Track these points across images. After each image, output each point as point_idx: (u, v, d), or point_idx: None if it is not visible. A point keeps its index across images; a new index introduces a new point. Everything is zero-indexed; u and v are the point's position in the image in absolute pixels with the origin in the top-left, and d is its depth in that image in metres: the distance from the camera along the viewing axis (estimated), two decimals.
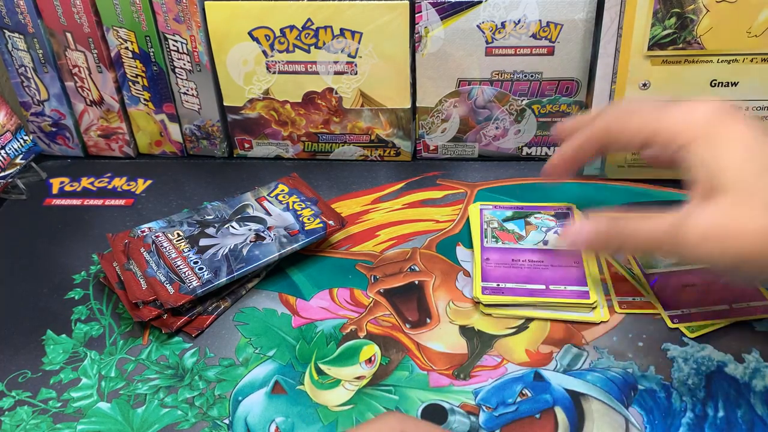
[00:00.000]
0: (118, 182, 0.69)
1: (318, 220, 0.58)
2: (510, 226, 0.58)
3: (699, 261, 0.39)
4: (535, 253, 0.55)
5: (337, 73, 0.65)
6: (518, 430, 0.44)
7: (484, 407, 0.45)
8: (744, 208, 0.37)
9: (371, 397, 0.46)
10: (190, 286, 0.52)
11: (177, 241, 0.57)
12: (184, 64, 0.67)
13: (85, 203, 0.67)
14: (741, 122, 0.39)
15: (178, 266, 0.54)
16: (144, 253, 0.56)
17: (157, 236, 0.57)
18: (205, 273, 0.54)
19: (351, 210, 0.64)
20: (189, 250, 0.56)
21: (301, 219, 0.58)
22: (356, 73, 0.65)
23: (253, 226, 0.58)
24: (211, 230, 0.58)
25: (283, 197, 0.61)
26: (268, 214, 0.60)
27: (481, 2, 0.61)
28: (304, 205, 0.60)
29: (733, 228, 0.37)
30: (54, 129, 0.73)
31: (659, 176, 0.64)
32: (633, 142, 0.43)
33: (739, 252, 0.37)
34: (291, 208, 0.60)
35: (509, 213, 0.60)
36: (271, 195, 0.62)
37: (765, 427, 0.43)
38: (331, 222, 0.58)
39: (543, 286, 0.52)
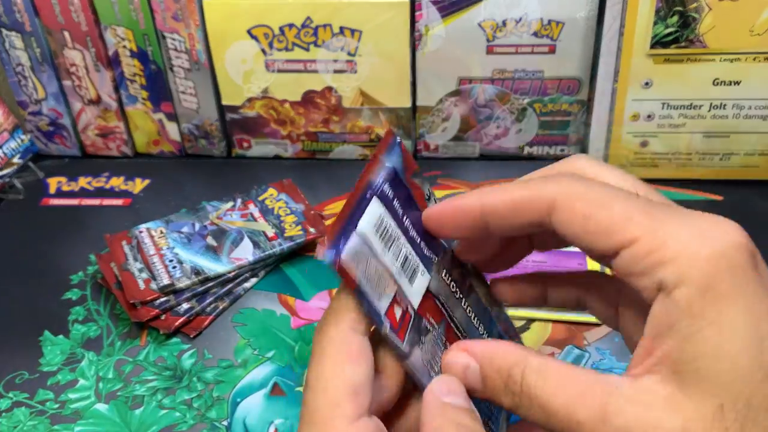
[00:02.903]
0: (116, 182, 0.69)
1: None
2: None
3: None
4: (538, 253, 0.54)
5: (336, 71, 0.65)
6: (519, 430, 0.43)
7: None
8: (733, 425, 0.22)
9: None
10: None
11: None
12: (183, 63, 0.67)
13: (83, 203, 0.67)
14: (759, 286, 0.23)
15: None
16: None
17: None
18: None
19: None
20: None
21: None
22: (356, 72, 0.65)
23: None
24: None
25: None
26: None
27: (481, 0, 0.60)
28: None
29: None
30: (51, 128, 0.72)
31: (662, 176, 0.64)
32: (597, 242, 0.24)
33: None
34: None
35: None
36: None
37: None
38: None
39: None
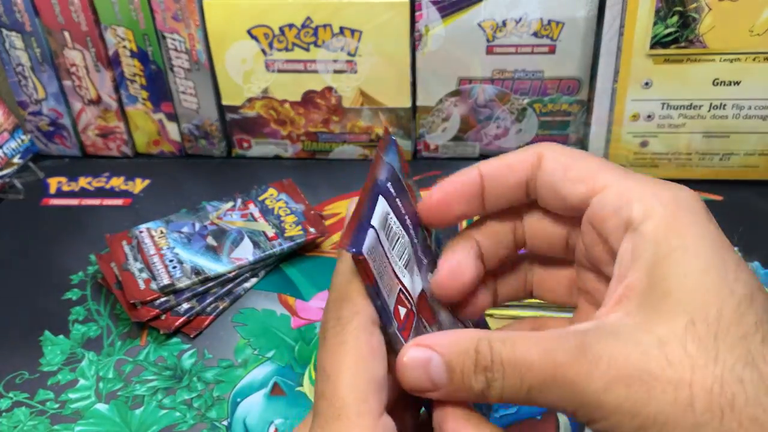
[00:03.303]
0: (116, 182, 0.69)
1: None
2: None
3: (597, 415, 0.23)
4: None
5: (336, 71, 0.65)
6: (519, 431, 0.43)
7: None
8: (705, 341, 0.22)
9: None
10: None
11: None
12: (183, 63, 0.67)
13: (83, 203, 0.67)
14: (719, 229, 0.25)
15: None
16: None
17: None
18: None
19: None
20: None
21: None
22: (356, 72, 0.65)
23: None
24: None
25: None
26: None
27: (481, 0, 0.60)
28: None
29: (680, 370, 0.22)
30: (51, 128, 0.72)
31: (662, 176, 0.64)
32: (573, 189, 0.27)
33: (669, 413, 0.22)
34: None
35: None
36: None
37: None
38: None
39: None
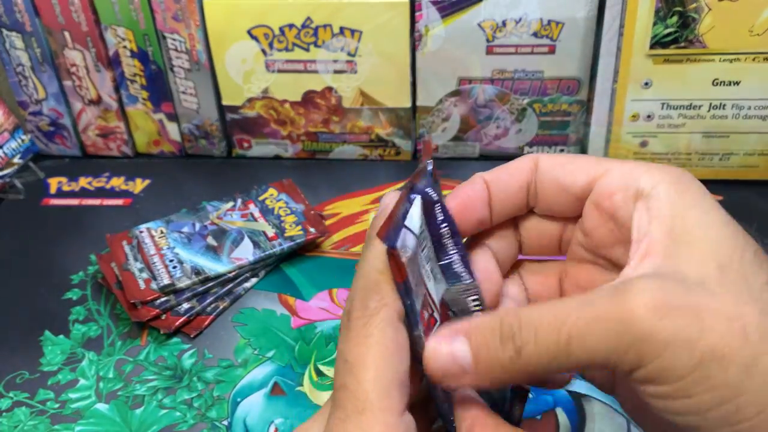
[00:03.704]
0: (116, 182, 0.69)
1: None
2: None
3: (650, 350, 0.22)
4: None
5: (336, 72, 0.65)
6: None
7: None
8: (738, 283, 0.23)
9: None
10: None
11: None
12: (183, 63, 0.67)
13: (83, 203, 0.67)
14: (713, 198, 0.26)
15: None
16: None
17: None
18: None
19: (351, 210, 0.63)
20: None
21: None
22: (356, 72, 0.65)
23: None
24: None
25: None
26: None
27: (481, 0, 0.60)
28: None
29: (726, 304, 0.22)
30: (52, 128, 0.72)
31: None
32: (573, 179, 0.28)
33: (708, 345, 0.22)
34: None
35: None
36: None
37: None
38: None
39: None
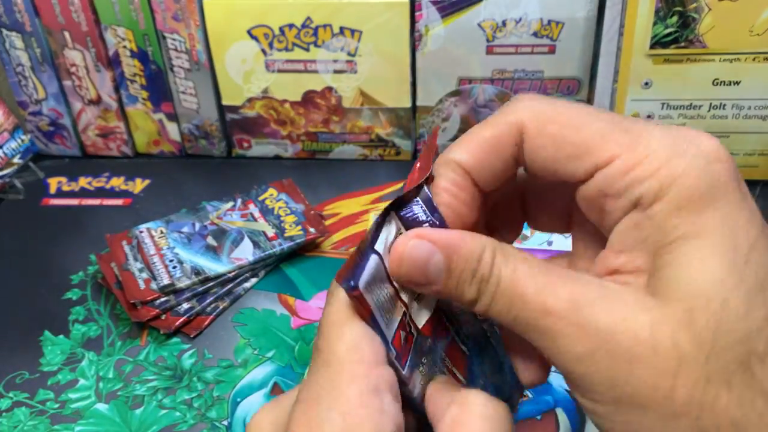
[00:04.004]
0: (116, 182, 0.69)
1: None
2: None
3: (574, 375, 0.23)
4: (540, 253, 0.55)
5: (336, 71, 0.65)
6: (519, 431, 0.43)
7: None
8: (701, 335, 0.21)
9: None
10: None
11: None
12: (183, 63, 0.67)
13: (83, 203, 0.67)
14: (743, 194, 0.22)
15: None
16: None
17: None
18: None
19: (351, 210, 0.63)
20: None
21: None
22: (356, 72, 0.65)
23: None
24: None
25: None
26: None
27: (481, 0, 0.60)
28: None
29: (665, 360, 0.21)
30: (51, 128, 0.72)
31: None
32: (572, 168, 0.23)
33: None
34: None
35: None
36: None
37: None
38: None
39: None
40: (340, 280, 0.23)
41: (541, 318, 0.22)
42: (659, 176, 0.22)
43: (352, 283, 0.23)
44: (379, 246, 0.24)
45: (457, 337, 0.29)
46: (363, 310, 0.24)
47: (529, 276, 0.23)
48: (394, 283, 0.25)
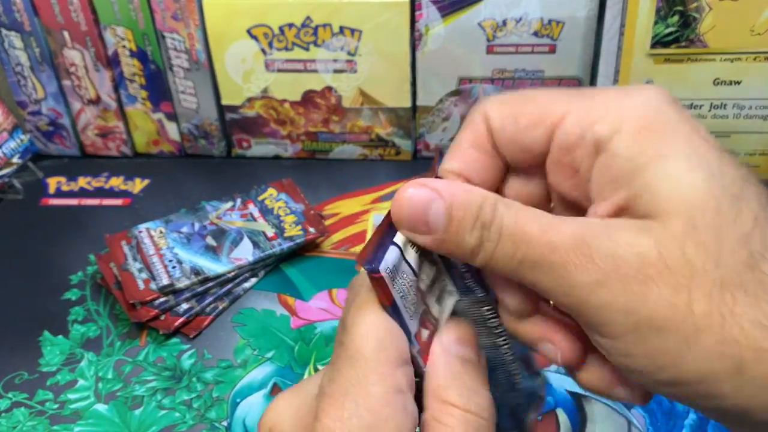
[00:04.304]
0: (115, 182, 0.69)
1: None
2: None
3: (586, 308, 0.23)
4: None
5: (336, 71, 0.65)
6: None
7: None
8: (707, 243, 0.21)
9: None
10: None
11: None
12: (182, 63, 0.66)
13: (82, 203, 0.67)
14: (694, 123, 0.23)
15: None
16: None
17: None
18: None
19: (351, 210, 0.63)
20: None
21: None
22: (356, 72, 0.65)
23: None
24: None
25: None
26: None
27: (481, 0, 0.60)
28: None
29: (677, 274, 0.21)
30: (51, 128, 0.72)
31: None
32: (532, 136, 0.25)
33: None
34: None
35: None
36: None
37: None
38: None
39: None
40: (362, 261, 0.23)
41: (548, 254, 0.22)
42: (610, 116, 0.23)
43: (374, 265, 0.23)
44: (398, 239, 0.25)
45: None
46: (384, 297, 0.24)
47: (532, 219, 0.23)
48: (419, 279, 0.25)
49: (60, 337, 0.52)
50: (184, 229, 0.59)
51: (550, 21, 0.60)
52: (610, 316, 0.22)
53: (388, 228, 0.25)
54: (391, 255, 0.24)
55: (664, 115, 0.23)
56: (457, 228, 0.24)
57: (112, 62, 0.68)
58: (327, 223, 0.61)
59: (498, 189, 0.27)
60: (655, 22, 0.57)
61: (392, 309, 0.24)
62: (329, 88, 0.66)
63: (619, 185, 0.23)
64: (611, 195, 0.23)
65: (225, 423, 0.46)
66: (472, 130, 0.26)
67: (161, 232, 0.58)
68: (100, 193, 0.68)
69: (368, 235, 0.25)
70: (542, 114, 0.25)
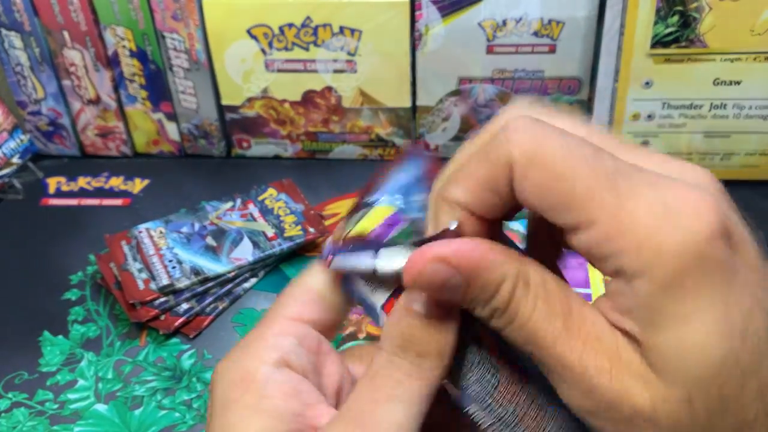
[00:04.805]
0: (115, 182, 0.69)
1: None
2: (515, 226, 0.57)
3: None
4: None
5: (336, 71, 0.65)
6: None
7: None
8: (702, 422, 0.21)
9: None
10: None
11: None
12: (182, 63, 0.66)
13: (82, 203, 0.67)
14: (737, 265, 0.21)
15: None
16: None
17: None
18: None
19: None
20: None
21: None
22: (356, 72, 0.65)
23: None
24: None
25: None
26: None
27: (481, 0, 0.60)
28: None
29: None
30: (51, 128, 0.72)
31: None
32: (554, 217, 0.22)
33: None
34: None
35: None
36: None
37: None
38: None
39: None
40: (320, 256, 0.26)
41: (556, 366, 0.22)
42: (641, 252, 0.20)
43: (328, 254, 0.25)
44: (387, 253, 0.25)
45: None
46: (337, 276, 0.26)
47: (547, 320, 0.22)
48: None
49: (60, 337, 0.52)
50: (184, 229, 0.59)
51: (550, 21, 0.60)
52: None
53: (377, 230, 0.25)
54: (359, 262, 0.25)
55: (703, 261, 0.20)
56: (470, 302, 0.23)
57: (112, 62, 0.68)
58: (327, 223, 0.61)
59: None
60: (655, 22, 0.57)
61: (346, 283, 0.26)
62: (329, 88, 0.66)
63: (632, 319, 0.21)
64: (622, 317, 0.22)
65: None
66: (491, 169, 0.23)
67: (161, 232, 0.58)
68: (100, 193, 0.68)
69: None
70: (571, 205, 0.21)
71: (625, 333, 0.22)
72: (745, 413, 0.21)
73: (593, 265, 0.22)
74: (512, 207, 0.24)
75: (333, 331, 0.27)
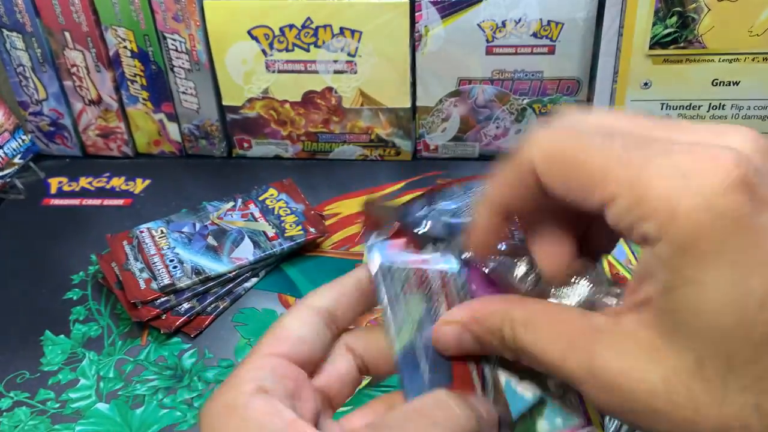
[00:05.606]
0: (117, 182, 0.69)
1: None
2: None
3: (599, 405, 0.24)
4: None
5: (336, 72, 0.65)
6: None
7: None
8: (714, 382, 0.21)
9: (371, 399, 0.46)
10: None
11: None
12: (183, 64, 0.67)
13: (84, 203, 0.67)
14: (749, 235, 0.20)
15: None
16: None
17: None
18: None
19: (351, 210, 0.63)
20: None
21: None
22: (356, 72, 0.65)
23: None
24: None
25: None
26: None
27: (481, 1, 0.60)
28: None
29: (683, 410, 0.21)
30: (52, 128, 0.73)
31: None
32: (581, 204, 0.23)
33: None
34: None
35: None
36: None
37: None
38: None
39: None
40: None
41: (567, 377, 0.24)
42: (659, 216, 0.21)
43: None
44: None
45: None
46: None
47: (548, 341, 0.25)
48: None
49: (61, 336, 0.53)
50: (185, 229, 0.59)
51: (549, 22, 0.61)
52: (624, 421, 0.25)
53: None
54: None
55: (719, 219, 0.20)
56: (491, 348, 0.27)
57: (113, 63, 0.68)
58: (327, 223, 0.61)
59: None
60: (654, 23, 0.57)
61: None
62: (329, 89, 0.66)
63: (653, 284, 0.22)
64: (644, 286, 0.22)
65: None
66: (516, 175, 0.25)
67: (162, 232, 0.58)
68: (101, 193, 0.68)
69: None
70: (592, 186, 0.22)
71: (637, 308, 0.23)
72: (761, 383, 0.21)
73: (627, 238, 0.23)
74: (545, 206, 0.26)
75: (313, 365, 0.28)
